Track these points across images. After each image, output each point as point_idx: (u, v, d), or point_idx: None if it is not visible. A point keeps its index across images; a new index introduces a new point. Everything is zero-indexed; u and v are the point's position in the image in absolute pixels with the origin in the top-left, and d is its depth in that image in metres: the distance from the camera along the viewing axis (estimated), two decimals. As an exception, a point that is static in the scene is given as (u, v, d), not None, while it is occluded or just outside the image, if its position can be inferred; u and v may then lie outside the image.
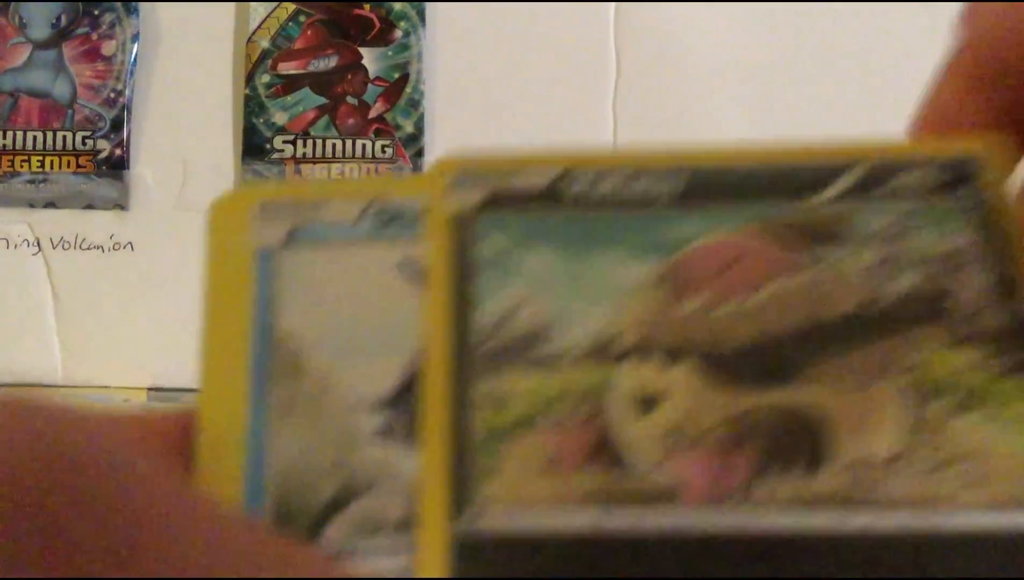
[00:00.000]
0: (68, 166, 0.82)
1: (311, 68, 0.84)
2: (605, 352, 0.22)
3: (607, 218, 0.23)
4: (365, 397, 0.22)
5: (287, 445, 0.22)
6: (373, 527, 0.21)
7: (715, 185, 0.24)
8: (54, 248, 0.83)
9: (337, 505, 0.21)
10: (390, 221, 0.24)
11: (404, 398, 0.22)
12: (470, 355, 0.22)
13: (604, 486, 0.20)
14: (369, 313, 0.23)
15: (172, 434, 0.21)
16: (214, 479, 0.21)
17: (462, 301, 0.23)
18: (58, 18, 0.84)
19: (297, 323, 0.23)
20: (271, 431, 0.22)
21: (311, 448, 0.22)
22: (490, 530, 0.20)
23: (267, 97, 0.83)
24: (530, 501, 0.20)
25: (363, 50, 0.84)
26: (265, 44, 0.84)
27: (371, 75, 0.84)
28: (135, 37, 0.83)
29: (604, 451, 0.21)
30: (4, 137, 0.82)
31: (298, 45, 0.84)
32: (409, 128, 0.83)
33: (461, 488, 0.21)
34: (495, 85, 0.84)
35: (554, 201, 0.24)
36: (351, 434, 0.22)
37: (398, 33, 0.84)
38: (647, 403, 0.21)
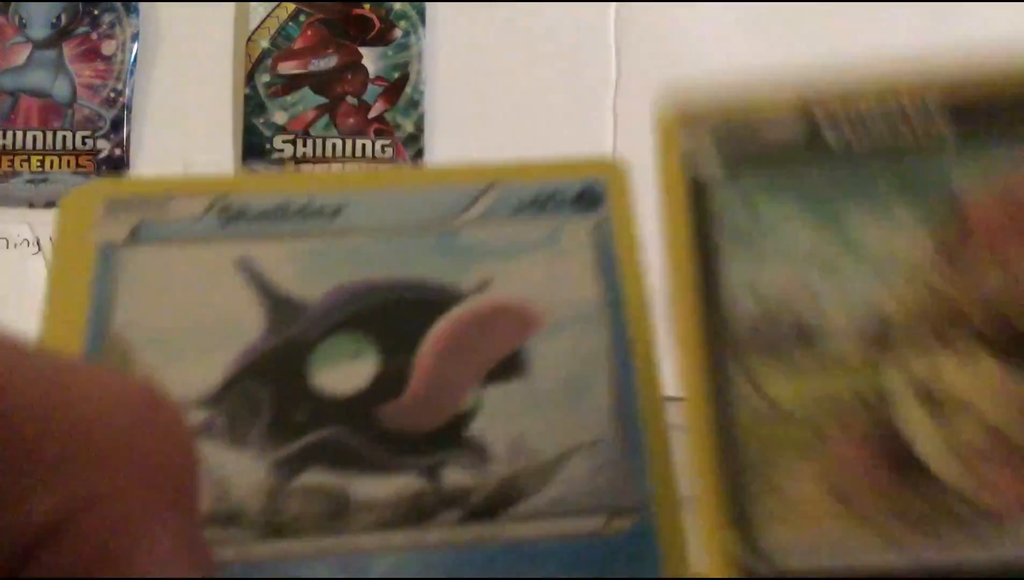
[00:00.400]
0: (68, 166, 0.82)
1: (311, 68, 0.84)
2: (881, 337, 0.18)
3: (868, 170, 0.20)
4: (189, 394, 0.22)
5: None
6: None
7: (987, 114, 0.19)
8: (54, 248, 0.83)
9: None
10: (233, 218, 0.24)
11: (225, 396, 0.22)
12: (723, 339, 0.20)
13: (908, 507, 0.17)
14: (201, 311, 0.23)
15: None
16: None
17: (708, 277, 0.21)
18: (58, 18, 0.84)
19: (131, 320, 0.23)
20: None
21: None
22: (782, 569, 0.18)
23: (267, 97, 0.83)
24: (825, 531, 0.18)
25: (363, 50, 0.84)
26: (265, 44, 0.84)
27: (371, 75, 0.84)
28: (135, 37, 0.83)
29: (899, 464, 0.17)
30: (4, 137, 0.82)
31: (298, 45, 0.84)
32: (409, 128, 0.83)
33: (738, 502, 0.18)
34: (495, 85, 0.84)
35: (805, 154, 0.21)
36: None
37: (398, 33, 0.84)
38: (943, 402, 0.18)
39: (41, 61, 0.83)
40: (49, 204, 0.82)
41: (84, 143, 0.82)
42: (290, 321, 0.23)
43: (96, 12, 0.84)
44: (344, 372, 0.23)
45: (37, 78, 0.83)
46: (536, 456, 0.22)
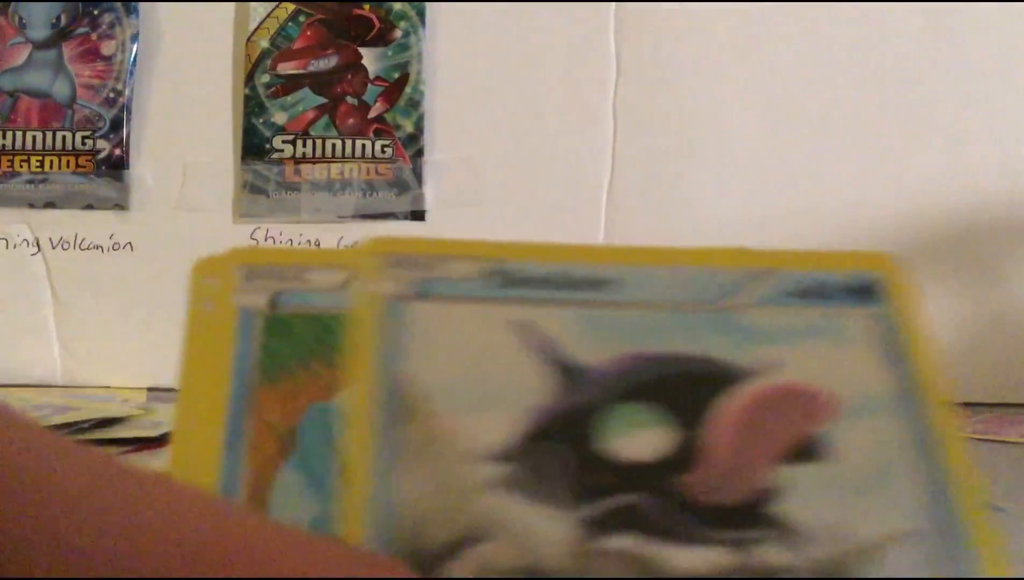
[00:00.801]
0: (68, 166, 0.82)
1: (311, 68, 0.84)
2: None
3: None
4: (483, 448, 0.23)
5: (410, 483, 0.22)
6: (492, 572, 0.21)
7: None
8: (54, 248, 0.83)
9: (457, 547, 0.22)
10: (510, 284, 0.25)
11: (523, 452, 0.23)
12: None
13: None
14: (486, 368, 0.24)
15: None
16: (343, 509, 0.22)
17: None
18: (58, 18, 0.84)
19: (419, 370, 0.24)
20: (395, 467, 0.22)
21: (433, 490, 0.22)
22: None
23: (267, 97, 0.83)
24: None
25: (363, 50, 0.84)
26: (265, 44, 0.84)
27: (371, 75, 0.84)
28: (135, 37, 0.83)
29: None
30: (4, 137, 0.82)
31: (298, 45, 0.84)
32: (409, 128, 0.83)
33: None
34: (495, 85, 0.84)
35: None
36: (471, 482, 0.22)
37: (398, 33, 0.84)
38: None
39: (41, 61, 0.83)
40: (49, 204, 0.82)
41: (84, 143, 0.82)
42: (575, 386, 0.24)
43: (96, 12, 0.84)
44: (637, 440, 0.23)
45: (37, 78, 0.83)
46: (853, 541, 0.22)
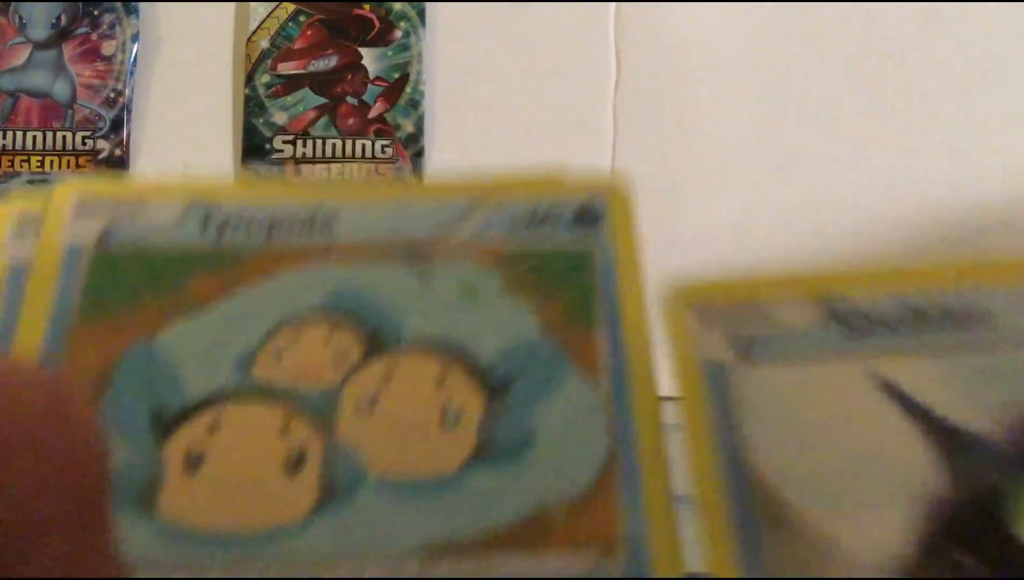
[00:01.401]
0: (68, 166, 0.82)
1: (311, 68, 0.84)
2: None
3: None
4: (873, 559, 0.18)
5: None
6: None
7: None
8: (54, 248, 0.83)
9: None
10: (854, 329, 0.20)
11: (922, 564, 0.18)
12: None
13: None
14: (854, 447, 0.19)
15: None
16: None
17: None
18: (58, 18, 0.84)
19: (772, 457, 0.19)
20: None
21: None
22: None
23: (267, 97, 0.83)
24: None
25: (363, 50, 0.84)
26: (265, 44, 0.84)
27: (371, 75, 0.83)
28: (135, 37, 0.83)
29: None
30: (4, 137, 0.82)
31: (298, 45, 0.84)
32: (409, 128, 0.83)
33: None
34: (495, 85, 0.84)
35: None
36: None
37: (398, 33, 0.84)
38: None
39: (41, 61, 0.83)
40: (49, 204, 0.82)
41: (84, 143, 0.82)
42: (970, 462, 0.19)
43: (96, 12, 0.84)
44: None
45: (37, 78, 0.83)
46: None
